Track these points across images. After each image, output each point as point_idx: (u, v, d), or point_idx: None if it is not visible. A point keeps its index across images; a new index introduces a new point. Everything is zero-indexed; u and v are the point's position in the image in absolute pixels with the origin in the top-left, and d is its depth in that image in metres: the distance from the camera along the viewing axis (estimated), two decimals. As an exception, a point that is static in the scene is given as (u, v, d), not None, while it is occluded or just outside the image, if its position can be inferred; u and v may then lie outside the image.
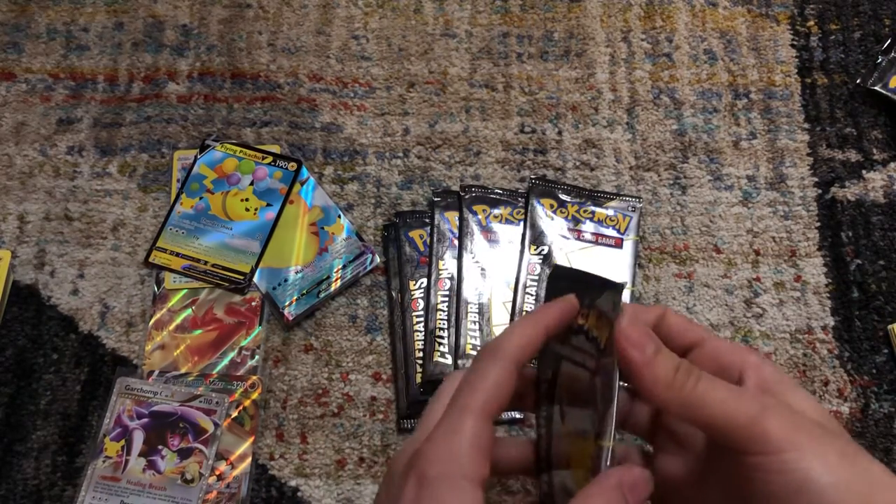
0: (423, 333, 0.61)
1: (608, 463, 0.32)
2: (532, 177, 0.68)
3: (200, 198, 0.67)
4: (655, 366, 0.33)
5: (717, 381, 0.33)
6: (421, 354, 0.60)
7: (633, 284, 0.63)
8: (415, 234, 0.65)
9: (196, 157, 0.68)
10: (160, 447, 0.57)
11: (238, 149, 0.69)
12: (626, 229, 0.65)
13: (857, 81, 0.72)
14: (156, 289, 0.64)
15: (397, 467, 0.34)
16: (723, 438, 0.32)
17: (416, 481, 0.31)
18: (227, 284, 0.63)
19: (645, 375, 0.33)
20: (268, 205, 0.66)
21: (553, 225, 0.65)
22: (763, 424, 0.30)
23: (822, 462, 0.29)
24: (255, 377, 0.60)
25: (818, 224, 0.66)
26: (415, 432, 0.36)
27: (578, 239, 0.64)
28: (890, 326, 0.61)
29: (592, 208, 0.65)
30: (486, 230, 0.65)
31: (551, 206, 0.65)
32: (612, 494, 0.31)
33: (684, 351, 0.36)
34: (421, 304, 0.62)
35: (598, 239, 0.64)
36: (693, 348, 0.36)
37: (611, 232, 0.65)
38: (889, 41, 0.72)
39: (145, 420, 0.58)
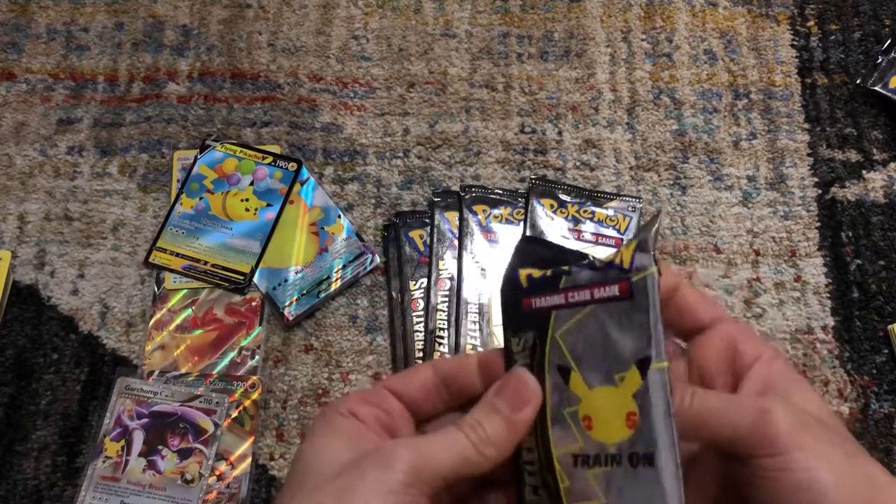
0: (423, 333, 0.61)
1: (670, 393, 0.28)
2: (532, 177, 0.68)
3: (200, 198, 0.67)
4: None
5: (710, 393, 0.32)
6: (421, 354, 0.60)
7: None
8: (415, 234, 0.65)
9: (196, 157, 0.68)
10: (160, 447, 0.57)
11: (238, 149, 0.69)
12: (626, 229, 0.65)
13: (857, 81, 0.71)
14: (156, 289, 0.64)
15: None
16: (728, 447, 0.31)
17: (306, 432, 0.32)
18: (227, 284, 0.63)
19: None
20: (268, 205, 0.66)
21: (553, 225, 0.65)
22: (767, 427, 0.30)
23: (826, 461, 0.29)
24: (255, 377, 0.60)
25: (818, 224, 0.66)
26: None
27: (579, 239, 0.64)
28: (890, 326, 0.61)
29: (592, 208, 0.65)
30: (486, 230, 0.65)
31: (551, 206, 0.65)
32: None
33: (696, 331, 0.35)
34: (421, 304, 0.62)
35: (598, 239, 0.64)
36: (706, 329, 0.35)
37: (611, 232, 0.65)
38: (889, 41, 0.72)
39: (145, 420, 0.58)
